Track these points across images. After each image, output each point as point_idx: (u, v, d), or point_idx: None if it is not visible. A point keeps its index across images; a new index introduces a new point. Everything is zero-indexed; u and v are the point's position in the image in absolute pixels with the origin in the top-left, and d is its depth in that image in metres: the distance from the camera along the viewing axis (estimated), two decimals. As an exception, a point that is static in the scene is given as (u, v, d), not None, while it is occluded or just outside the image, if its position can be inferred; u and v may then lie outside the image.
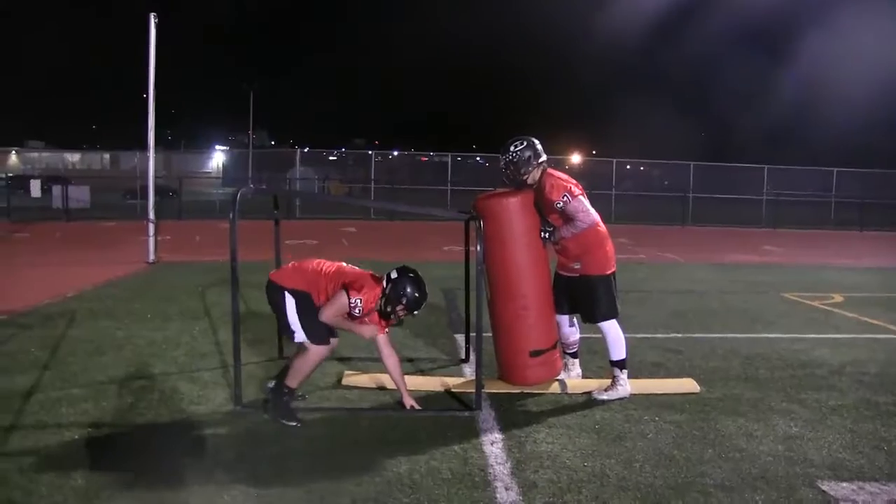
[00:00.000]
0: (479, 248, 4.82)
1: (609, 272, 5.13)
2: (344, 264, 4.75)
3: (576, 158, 40.69)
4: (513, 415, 4.70)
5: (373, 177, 32.33)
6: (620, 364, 5.09)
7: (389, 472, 3.75)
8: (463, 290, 5.99)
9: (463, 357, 6.06)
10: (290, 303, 4.53)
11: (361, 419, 4.59)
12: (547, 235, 5.09)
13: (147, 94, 12.05)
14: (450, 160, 32.43)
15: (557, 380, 5.28)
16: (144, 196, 14.58)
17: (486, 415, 4.67)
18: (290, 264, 4.77)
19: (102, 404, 4.70)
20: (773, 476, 3.78)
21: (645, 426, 4.51)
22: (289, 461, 3.88)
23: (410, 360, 5.84)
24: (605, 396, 5.02)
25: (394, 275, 4.54)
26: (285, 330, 4.64)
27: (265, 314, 7.29)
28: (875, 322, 8.06)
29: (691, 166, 31.13)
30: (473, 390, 4.82)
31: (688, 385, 5.32)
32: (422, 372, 5.68)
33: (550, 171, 5.16)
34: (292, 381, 4.55)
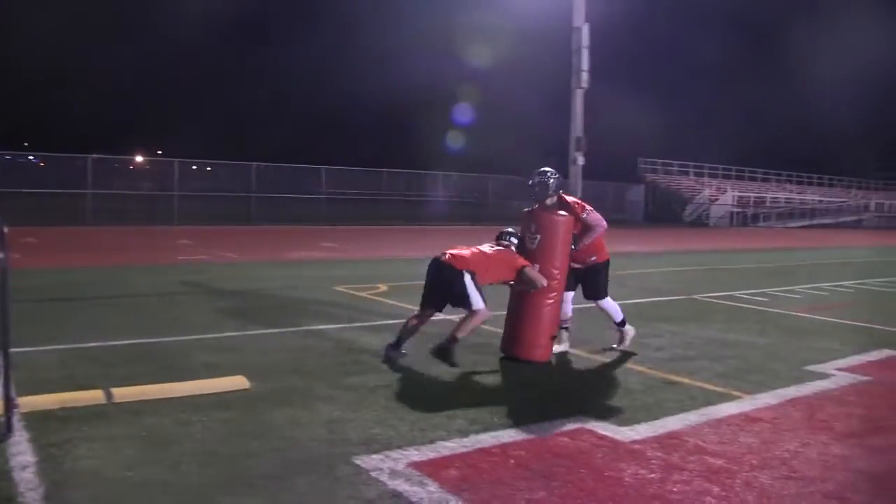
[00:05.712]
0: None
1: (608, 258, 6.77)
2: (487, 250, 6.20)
3: (139, 158, 38.33)
4: (50, 433, 4.19)
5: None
6: (622, 323, 6.72)
7: None
8: None
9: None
10: (469, 280, 5.87)
11: None
12: (574, 247, 6.31)
13: None
14: None
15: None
16: None
17: (19, 438, 4.10)
18: (456, 250, 6.06)
19: None
20: (315, 458, 3.97)
21: (193, 427, 4.41)
22: None
23: None
24: (624, 346, 6.71)
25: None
26: (462, 301, 5.89)
27: None
28: (411, 307, 9.05)
29: (253, 167, 31.69)
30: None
31: (238, 382, 5.36)
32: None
33: (562, 193, 6.46)
34: (461, 333, 5.89)
